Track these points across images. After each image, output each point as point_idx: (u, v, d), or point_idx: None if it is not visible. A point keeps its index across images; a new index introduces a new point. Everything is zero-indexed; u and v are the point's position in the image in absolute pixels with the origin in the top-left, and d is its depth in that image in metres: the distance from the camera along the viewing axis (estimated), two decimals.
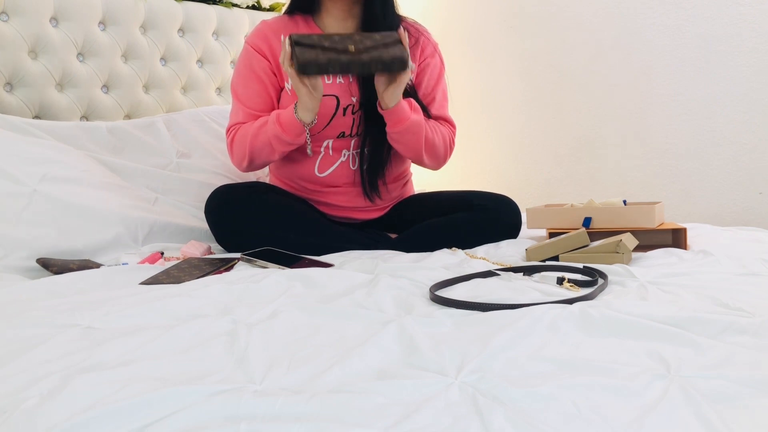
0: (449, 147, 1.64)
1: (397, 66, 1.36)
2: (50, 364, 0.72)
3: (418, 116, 1.50)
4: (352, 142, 1.59)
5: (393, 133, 1.50)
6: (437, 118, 1.64)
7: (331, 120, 1.55)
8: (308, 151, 1.51)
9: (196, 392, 0.63)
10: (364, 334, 0.82)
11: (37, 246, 1.39)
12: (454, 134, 1.67)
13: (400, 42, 1.38)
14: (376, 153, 1.57)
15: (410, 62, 1.37)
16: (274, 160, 1.55)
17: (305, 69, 1.32)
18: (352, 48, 1.34)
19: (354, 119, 1.56)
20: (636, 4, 2.31)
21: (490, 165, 2.77)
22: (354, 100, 1.55)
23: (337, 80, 1.55)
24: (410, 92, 1.57)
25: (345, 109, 1.55)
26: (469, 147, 2.75)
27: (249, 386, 0.65)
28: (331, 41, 1.34)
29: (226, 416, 0.59)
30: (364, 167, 1.59)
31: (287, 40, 1.35)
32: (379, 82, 1.41)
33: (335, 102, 1.54)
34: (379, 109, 1.46)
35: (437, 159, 1.62)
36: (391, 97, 1.42)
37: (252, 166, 1.57)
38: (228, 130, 1.58)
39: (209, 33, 2.23)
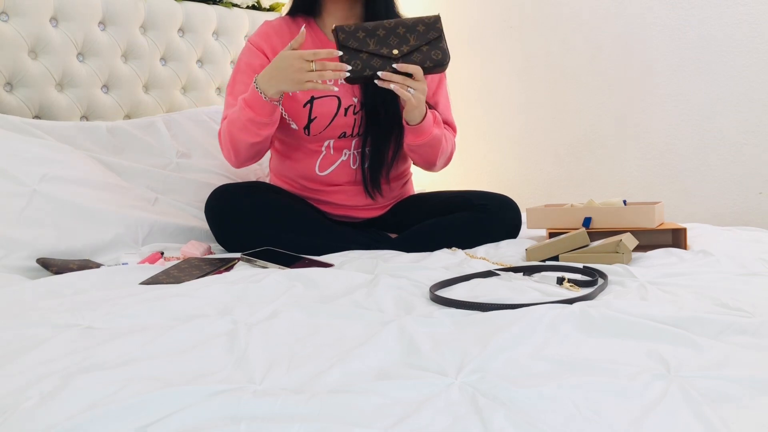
0: (452, 154, 1.67)
1: (438, 71, 1.39)
2: (50, 364, 0.72)
3: (439, 130, 1.51)
4: (353, 142, 1.59)
5: (412, 145, 1.51)
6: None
7: (332, 120, 1.55)
8: (292, 124, 1.48)
9: (196, 392, 0.63)
10: (364, 334, 0.82)
11: (37, 246, 1.39)
12: (455, 137, 1.69)
13: (441, 35, 1.38)
14: (378, 152, 1.57)
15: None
16: (257, 146, 1.48)
17: (353, 81, 1.35)
18: (396, 52, 1.35)
19: (355, 119, 1.56)
20: (636, 4, 2.31)
21: (490, 165, 2.77)
22: (355, 100, 1.55)
23: (339, 81, 1.55)
24: None
25: (346, 110, 1.55)
26: (469, 147, 2.75)
27: (249, 386, 0.65)
28: (376, 41, 1.35)
29: (226, 416, 0.59)
30: (366, 166, 1.59)
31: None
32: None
33: (336, 102, 1.54)
34: (404, 123, 1.47)
35: (441, 167, 1.65)
36: (412, 114, 1.43)
37: (240, 157, 1.52)
38: (220, 127, 1.56)
39: (209, 33, 2.23)
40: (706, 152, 2.22)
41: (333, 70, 1.32)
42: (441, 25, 1.39)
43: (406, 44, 1.36)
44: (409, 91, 1.36)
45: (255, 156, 1.54)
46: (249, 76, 1.55)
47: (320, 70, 1.32)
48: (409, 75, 1.35)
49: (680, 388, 0.62)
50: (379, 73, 1.34)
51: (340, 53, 1.33)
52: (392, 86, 1.35)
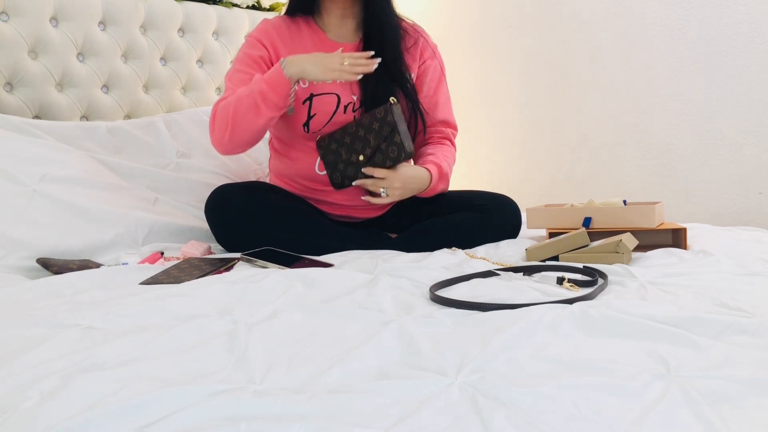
0: (454, 163, 1.69)
1: (401, 161, 1.46)
2: (50, 364, 0.72)
3: (444, 184, 1.59)
4: None
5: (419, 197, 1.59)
6: (441, 122, 1.65)
7: (331, 117, 1.55)
8: (288, 110, 1.50)
9: (196, 392, 0.63)
10: (364, 334, 0.82)
11: (37, 246, 1.39)
12: (455, 136, 1.69)
13: (394, 129, 1.43)
14: None
15: (410, 147, 1.47)
16: (256, 129, 1.45)
17: (341, 186, 1.52)
18: (361, 158, 1.46)
19: (354, 117, 1.56)
20: (636, 4, 2.31)
21: (490, 165, 2.77)
22: (354, 98, 1.55)
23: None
24: (411, 94, 1.58)
25: (346, 107, 1.55)
26: (469, 147, 2.75)
27: (249, 386, 0.65)
28: (346, 149, 1.48)
29: (226, 416, 0.59)
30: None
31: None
32: None
33: (336, 100, 1.54)
34: None
35: None
36: (405, 195, 1.51)
37: (233, 140, 1.47)
38: (213, 107, 1.52)
39: (209, 33, 2.23)
40: (706, 152, 2.22)
41: (363, 65, 1.40)
42: (392, 117, 1.43)
43: (368, 146, 1.46)
44: (382, 194, 1.47)
45: (248, 143, 1.50)
46: (248, 65, 1.55)
47: (353, 64, 1.40)
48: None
49: (680, 388, 0.62)
50: (354, 183, 1.47)
51: (371, 53, 1.43)
52: (363, 198, 1.50)
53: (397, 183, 1.46)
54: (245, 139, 1.48)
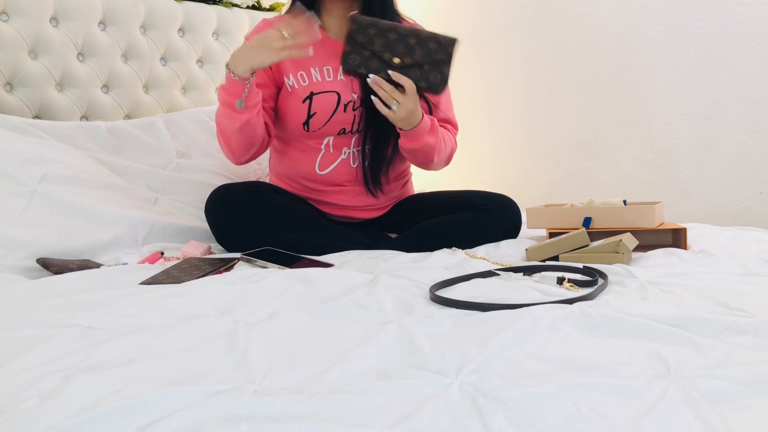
0: (453, 153, 1.67)
1: (430, 93, 1.38)
2: (50, 364, 0.72)
3: (433, 138, 1.51)
4: (353, 139, 1.59)
5: (404, 148, 1.52)
6: (442, 120, 1.65)
7: (331, 116, 1.55)
8: (238, 103, 1.40)
9: (196, 392, 0.63)
10: (364, 334, 0.82)
11: (37, 246, 1.39)
12: (456, 136, 1.69)
13: (448, 60, 1.34)
14: (378, 149, 1.58)
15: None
16: (239, 128, 1.45)
17: (347, 72, 1.37)
18: (397, 61, 1.34)
19: (355, 116, 1.56)
20: (636, 4, 2.31)
21: (490, 165, 2.77)
22: (355, 96, 1.55)
23: (338, 77, 1.55)
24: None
25: (346, 106, 1.55)
26: (469, 147, 2.75)
27: (249, 386, 0.65)
28: (383, 43, 1.34)
29: (226, 416, 0.59)
30: (366, 163, 1.59)
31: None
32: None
33: (336, 98, 1.54)
34: (398, 128, 1.47)
35: (440, 167, 1.65)
36: (398, 124, 1.43)
37: (232, 148, 1.51)
38: None
39: (209, 33, 2.23)
40: (706, 152, 2.22)
41: (304, 32, 1.33)
42: (453, 50, 1.35)
43: (410, 56, 1.34)
44: (392, 106, 1.36)
45: (248, 148, 1.52)
46: None
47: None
48: (401, 87, 1.36)
49: (680, 388, 0.62)
50: (370, 76, 1.35)
51: (316, 22, 1.34)
52: (373, 97, 1.37)
53: (411, 105, 1.38)
54: (243, 146, 1.50)
